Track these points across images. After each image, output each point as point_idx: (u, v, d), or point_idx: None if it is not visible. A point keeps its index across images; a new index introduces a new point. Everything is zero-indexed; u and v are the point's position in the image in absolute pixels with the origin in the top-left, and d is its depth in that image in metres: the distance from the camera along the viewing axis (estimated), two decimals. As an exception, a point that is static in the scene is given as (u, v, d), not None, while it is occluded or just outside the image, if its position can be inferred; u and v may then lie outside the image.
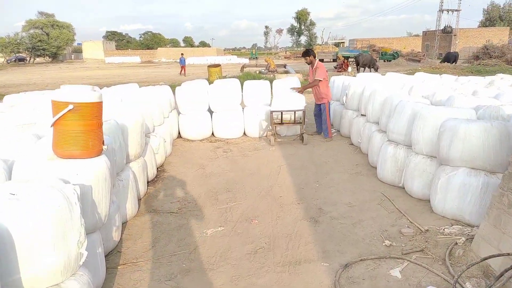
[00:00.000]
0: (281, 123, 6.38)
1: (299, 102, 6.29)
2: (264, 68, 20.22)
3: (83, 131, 2.37)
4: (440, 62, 26.69)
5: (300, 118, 6.37)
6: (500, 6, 71.89)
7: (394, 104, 4.62)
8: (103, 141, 2.57)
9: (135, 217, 3.72)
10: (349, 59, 23.96)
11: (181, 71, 25.62)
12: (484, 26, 63.75)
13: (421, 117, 3.89)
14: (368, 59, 23.84)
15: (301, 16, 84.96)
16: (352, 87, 6.51)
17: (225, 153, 6.08)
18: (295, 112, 6.19)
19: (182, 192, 4.47)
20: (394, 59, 36.46)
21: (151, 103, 5.41)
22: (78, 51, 78.40)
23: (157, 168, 5.23)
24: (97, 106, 2.45)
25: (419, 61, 35.18)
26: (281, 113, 6.21)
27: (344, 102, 6.73)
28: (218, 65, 15.64)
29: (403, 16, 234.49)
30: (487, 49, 33.47)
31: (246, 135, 7.16)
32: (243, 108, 7.21)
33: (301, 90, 6.77)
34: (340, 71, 18.06)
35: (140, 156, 4.13)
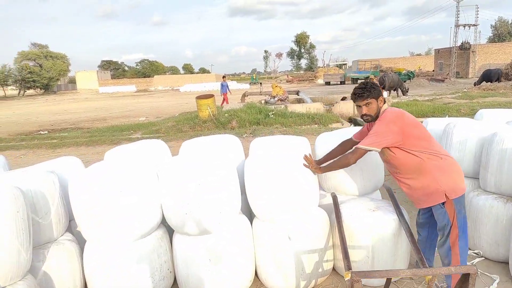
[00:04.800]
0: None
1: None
2: (270, 96, 16.07)
3: None
4: (476, 83, 22.51)
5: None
6: (508, 21, 69.07)
7: None
8: None
9: None
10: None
11: (222, 102, 17.00)
12: (493, 42, 60.35)
13: None
14: (395, 80, 19.79)
15: (301, 40, 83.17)
16: None
17: None
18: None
19: None
20: (409, 79, 32.31)
21: None
22: (74, 81, 75.42)
23: None
24: None
25: (443, 81, 31.17)
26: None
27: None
28: (210, 96, 11.42)
29: (399, 37, 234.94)
30: (516, 65, 29.61)
31: (259, 280, 2.85)
32: (251, 219, 2.95)
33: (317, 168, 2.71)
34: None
35: None
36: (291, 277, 2.65)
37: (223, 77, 19.43)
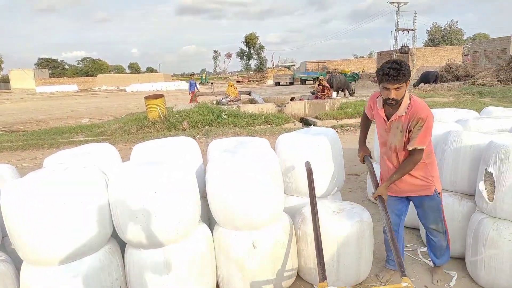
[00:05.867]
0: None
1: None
2: (223, 96, 15.85)
3: None
4: (416, 84, 23.92)
5: None
6: (442, 27, 74.49)
7: None
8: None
9: None
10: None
11: (191, 99, 17.37)
12: (428, 46, 64.85)
13: None
14: (342, 81, 20.42)
15: (250, 40, 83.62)
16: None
17: None
18: None
19: None
20: (355, 80, 33.66)
21: None
22: (7, 80, 69.62)
23: None
24: None
25: (385, 82, 32.76)
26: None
27: (487, 199, 2.50)
28: (160, 96, 11.00)
29: (344, 40, 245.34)
30: (450, 68, 31.99)
31: (221, 291, 2.69)
32: (211, 227, 2.77)
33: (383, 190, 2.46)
34: (321, 98, 14.25)
35: None
36: (256, 286, 2.52)
37: (191, 74, 20.47)
